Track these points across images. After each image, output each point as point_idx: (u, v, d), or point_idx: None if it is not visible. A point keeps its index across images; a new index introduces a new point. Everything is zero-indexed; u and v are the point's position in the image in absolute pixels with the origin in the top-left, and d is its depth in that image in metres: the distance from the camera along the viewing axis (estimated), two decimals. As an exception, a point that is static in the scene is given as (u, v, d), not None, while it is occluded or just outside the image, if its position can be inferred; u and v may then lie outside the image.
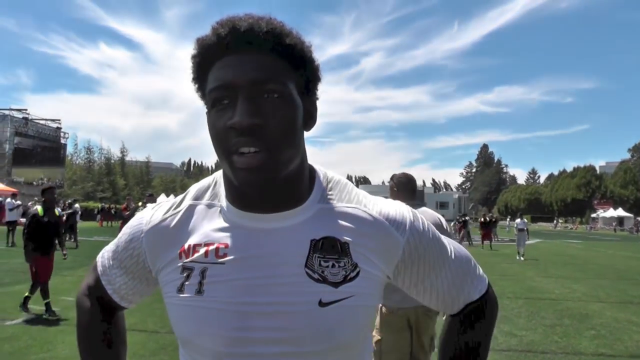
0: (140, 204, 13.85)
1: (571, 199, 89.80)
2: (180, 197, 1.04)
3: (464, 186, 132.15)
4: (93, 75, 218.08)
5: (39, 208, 7.63)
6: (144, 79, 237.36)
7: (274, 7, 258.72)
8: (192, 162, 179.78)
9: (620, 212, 69.59)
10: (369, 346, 1.04)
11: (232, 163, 0.86)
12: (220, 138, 0.87)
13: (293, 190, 0.94)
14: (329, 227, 0.93)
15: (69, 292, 8.92)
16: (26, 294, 7.46)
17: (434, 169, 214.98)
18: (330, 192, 0.98)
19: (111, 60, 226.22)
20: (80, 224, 22.53)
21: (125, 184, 67.59)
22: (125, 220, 15.21)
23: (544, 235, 42.40)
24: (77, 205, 21.89)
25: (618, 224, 65.11)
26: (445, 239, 1.05)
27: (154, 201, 13.17)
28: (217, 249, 0.93)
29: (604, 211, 74.13)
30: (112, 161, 69.24)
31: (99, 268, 1.11)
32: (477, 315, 1.06)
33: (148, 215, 1.03)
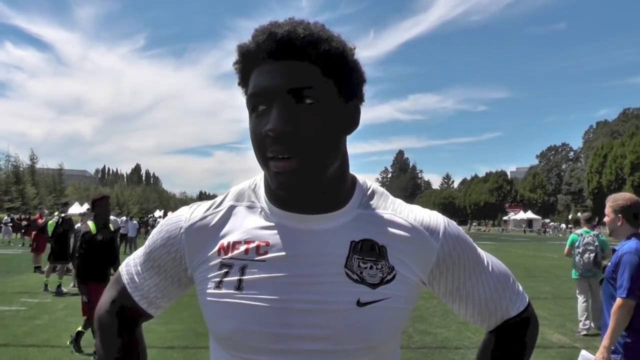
0: (56, 213, 13.11)
1: (484, 202, 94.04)
2: (220, 198, 1.05)
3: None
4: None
5: (90, 225, 6.07)
6: (56, 82, 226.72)
7: (190, 8, 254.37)
8: (107, 169, 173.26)
9: (530, 214, 73.71)
10: (398, 348, 1.04)
11: (269, 168, 0.88)
12: (258, 143, 0.88)
13: (333, 193, 0.96)
14: (368, 231, 0.95)
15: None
16: (79, 329, 6.18)
17: None
18: (369, 199, 1.00)
19: (19, 61, 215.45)
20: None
21: (36, 193, 63.98)
22: (40, 230, 14.44)
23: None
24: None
25: (527, 226, 68.86)
26: (483, 252, 1.06)
27: (67, 210, 12.57)
28: (257, 246, 0.93)
29: (515, 214, 78.22)
30: (21, 169, 65.40)
31: (125, 277, 1.09)
32: (515, 334, 1.07)
33: (187, 213, 1.03)
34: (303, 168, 0.86)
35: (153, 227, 29.57)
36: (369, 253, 0.93)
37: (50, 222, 12.06)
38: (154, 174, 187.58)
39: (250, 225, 0.97)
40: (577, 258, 7.60)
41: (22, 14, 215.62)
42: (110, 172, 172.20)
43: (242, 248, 0.94)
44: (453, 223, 1.03)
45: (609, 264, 3.32)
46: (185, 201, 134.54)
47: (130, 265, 1.10)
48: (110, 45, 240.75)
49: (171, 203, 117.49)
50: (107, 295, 1.12)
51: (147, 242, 1.08)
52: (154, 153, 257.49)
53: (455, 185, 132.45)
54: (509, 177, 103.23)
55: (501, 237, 51.01)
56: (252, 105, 0.89)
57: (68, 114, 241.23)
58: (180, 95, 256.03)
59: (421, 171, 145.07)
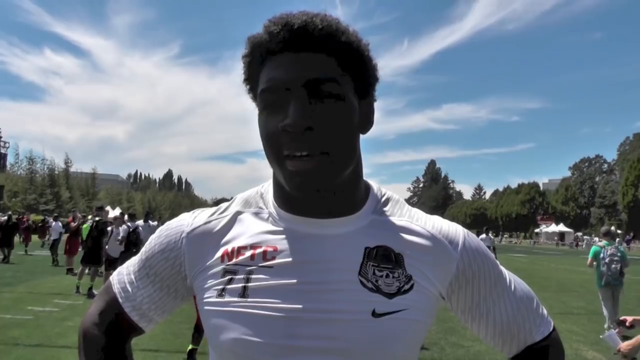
0: (89, 217, 13.37)
1: (515, 214, 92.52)
2: (225, 204, 0.98)
3: (411, 201, 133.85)
4: (37, 82, 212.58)
5: None
6: (92, 88, 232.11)
7: (225, 17, 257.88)
8: (139, 174, 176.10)
9: (562, 227, 72.15)
10: None
11: (284, 168, 0.82)
12: (272, 141, 0.82)
13: (347, 196, 0.90)
14: (383, 237, 0.89)
15: (8, 309, 8.56)
16: (190, 347, 5.90)
17: (382, 184, 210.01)
18: (384, 205, 0.95)
19: (57, 67, 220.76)
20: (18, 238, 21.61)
21: (70, 196, 65.40)
22: (73, 233, 14.75)
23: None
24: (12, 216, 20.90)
25: (559, 239, 67.45)
26: (505, 270, 1.00)
27: (105, 214, 12.81)
28: (265, 252, 0.87)
29: (547, 226, 76.69)
30: (56, 172, 66.97)
31: (116, 286, 1.00)
32: (539, 358, 0.98)
33: (190, 218, 0.97)
34: (322, 168, 0.81)
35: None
36: (385, 260, 0.87)
37: (85, 225, 12.32)
38: (186, 179, 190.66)
39: (257, 230, 0.90)
40: (604, 268, 8.02)
41: (61, 21, 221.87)
42: (143, 177, 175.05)
43: (248, 254, 0.87)
44: (473, 234, 0.97)
45: None
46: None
47: (122, 273, 1.02)
48: (145, 53, 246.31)
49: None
50: (94, 307, 1.02)
51: (143, 249, 1.00)
52: (187, 159, 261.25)
53: (487, 196, 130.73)
54: (541, 188, 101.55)
55: (533, 250, 50.03)
56: (266, 100, 0.83)
57: (102, 119, 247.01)
58: (214, 102, 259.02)
59: (453, 181, 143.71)
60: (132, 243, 11.58)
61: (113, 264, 11.39)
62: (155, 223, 15.23)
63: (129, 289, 0.99)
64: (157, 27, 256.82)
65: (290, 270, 0.85)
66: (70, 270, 14.07)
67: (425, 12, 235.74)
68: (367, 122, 0.91)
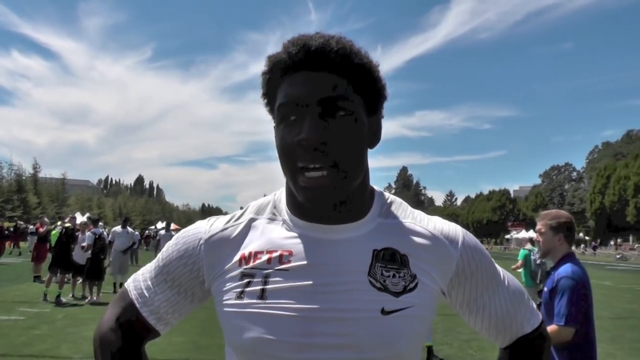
0: (59, 223, 13.10)
1: (486, 220, 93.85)
2: (239, 212, 1.04)
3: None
4: (4, 85, 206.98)
5: None
6: (62, 91, 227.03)
7: (198, 21, 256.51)
8: (110, 180, 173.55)
9: (532, 233, 72.91)
10: (419, 358, 1.02)
11: (297, 181, 0.88)
12: (287, 153, 0.89)
13: (355, 205, 0.96)
14: (389, 240, 0.96)
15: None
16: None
17: None
18: (388, 208, 1.01)
19: (25, 69, 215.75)
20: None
21: (38, 202, 64.03)
22: (40, 241, 14.44)
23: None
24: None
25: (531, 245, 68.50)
26: (499, 267, 1.07)
27: (74, 221, 12.57)
28: (280, 255, 0.93)
29: (517, 232, 77.77)
30: (24, 178, 65.48)
31: (133, 292, 1.05)
32: (531, 351, 1.07)
33: (206, 226, 1.02)
34: (333, 183, 0.87)
35: (153, 238, 29.54)
36: (391, 261, 0.93)
37: (53, 232, 12.09)
38: (157, 185, 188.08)
39: (272, 235, 0.97)
40: (535, 268, 9.25)
41: (29, 22, 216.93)
42: (113, 182, 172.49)
43: (265, 258, 0.94)
44: (471, 234, 1.04)
45: (545, 288, 3.13)
46: (188, 213, 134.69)
47: (138, 280, 1.07)
48: (116, 56, 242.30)
49: (174, 215, 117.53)
50: (110, 313, 1.07)
51: (160, 255, 1.05)
52: (158, 164, 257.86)
53: (459, 202, 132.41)
54: (512, 195, 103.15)
55: (504, 255, 50.74)
56: (282, 115, 0.90)
57: (73, 124, 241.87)
58: (186, 107, 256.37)
59: (424, 188, 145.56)
60: (100, 249, 11.38)
61: (79, 270, 11.22)
62: (133, 229, 14.94)
63: (146, 294, 1.04)
64: (129, 31, 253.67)
65: (305, 272, 0.91)
66: (37, 278, 13.80)
67: (399, 19, 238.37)
68: (375, 138, 1.00)
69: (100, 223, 13.28)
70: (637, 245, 52.50)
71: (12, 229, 28.56)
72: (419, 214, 1.03)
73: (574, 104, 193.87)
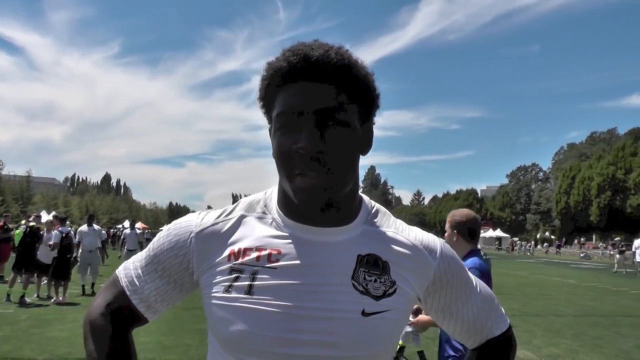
0: (23, 222, 12.73)
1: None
2: (230, 207, 1.08)
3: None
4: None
5: None
6: (27, 87, 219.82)
7: (167, 17, 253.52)
8: (77, 178, 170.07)
9: (499, 232, 74.65)
10: (392, 357, 1.08)
11: (294, 183, 0.92)
12: (284, 160, 0.93)
13: (344, 210, 1.01)
14: (373, 246, 1.01)
15: None
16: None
17: None
18: (374, 217, 1.06)
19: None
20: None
21: (1, 200, 62.43)
22: (2, 241, 14.03)
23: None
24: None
25: (497, 244, 69.74)
26: (471, 275, 1.13)
27: (39, 219, 12.30)
28: (269, 254, 0.97)
29: (484, 231, 79.10)
30: (-13, 175, 63.78)
31: (123, 280, 1.09)
32: (497, 352, 1.14)
33: (197, 219, 1.05)
34: (328, 186, 0.92)
35: (118, 237, 29.08)
36: (374, 267, 0.99)
37: (17, 231, 11.82)
38: (124, 183, 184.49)
39: (261, 233, 1.00)
40: None
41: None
42: (80, 180, 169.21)
43: (254, 255, 0.97)
44: (448, 245, 1.11)
45: None
46: (155, 212, 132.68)
47: (129, 268, 1.10)
48: (83, 51, 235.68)
49: (141, 213, 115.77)
50: (101, 299, 1.11)
51: (151, 246, 1.09)
52: (125, 162, 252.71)
53: (426, 202, 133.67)
54: (479, 195, 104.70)
55: (471, 254, 51.48)
56: (281, 123, 0.93)
57: (38, 120, 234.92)
58: (154, 105, 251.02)
59: (392, 187, 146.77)
60: (65, 248, 11.18)
61: (45, 270, 10.98)
62: (100, 227, 14.57)
63: (137, 283, 1.08)
64: (97, 25, 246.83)
65: (293, 272, 0.95)
66: (2, 277, 13.49)
67: (368, 19, 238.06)
68: (367, 145, 1.04)
69: (67, 222, 13.00)
70: (600, 244, 53.88)
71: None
72: (400, 223, 1.09)
73: (540, 106, 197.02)
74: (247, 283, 0.95)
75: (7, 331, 7.69)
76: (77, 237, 12.55)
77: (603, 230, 63.89)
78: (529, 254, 54.95)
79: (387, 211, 1.11)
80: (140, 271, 1.08)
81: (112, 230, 42.59)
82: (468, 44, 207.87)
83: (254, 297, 0.94)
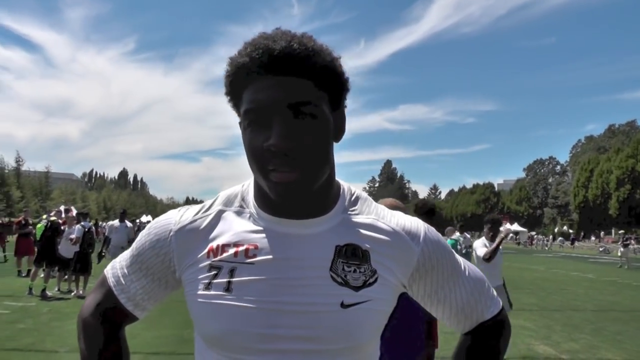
0: (44, 216, 12.74)
1: (471, 214, 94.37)
2: (208, 202, 1.07)
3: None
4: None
5: None
6: (44, 84, 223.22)
7: (181, 13, 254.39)
8: (94, 173, 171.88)
9: (516, 226, 74.04)
10: (378, 349, 1.07)
11: (268, 179, 0.90)
12: (257, 157, 0.91)
13: (321, 199, 0.99)
14: (352, 235, 0.99)
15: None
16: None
17: None
18: (353, 205, 1.04)
19: (6, 61, 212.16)
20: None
21: (21, 196, 63.26)
22: (22, 237, 14.21)
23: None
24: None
25: (514, 238, 69.18)
26: (460, 258, 1.10)
27: (60, 214, 12.44)
28: (247, 249, 0.96)
29: (501, 226, 78.41)
30: (6, 171, 64.63)
31: (111, 279, 1.11)
32: (490, 336, 1.11)
33: (177, 216, 1.05)
34: (303, 179, 0.90)
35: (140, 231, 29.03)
36: (353, 257, 0.97)
37: (39, 226, 11.97)
38: (141, 179, 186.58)
39: (239, 229, 0.99)
40: (471, 256, 9.13)
41: (10, 14, 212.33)
42: (98, 175, 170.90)
43: (231, 251, 0.96)
44: (432, 229, 1.07)
45: None
46: (172, 206, 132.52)
47: (116, 267, 1.12)
48: (99, 48, 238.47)
49: (158, 208, 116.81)
50: (91, 298, 1.13)
51: (134, 245, 1.09)
52: (142, 157, 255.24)
53: (442, 196, 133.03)
54: (496, 189, 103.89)
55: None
56: (249, 119, 0.91)
57: (55, 117, 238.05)
58: (170, 100, 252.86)
59: (408, 181, 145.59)
60: (88, 243, 11.30)
61: (65, 264, 11.12)
62: (131, 225, 13.81)
63: (123, 282, 1.09)
64: (112, 22, 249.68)
65: (270, 267, 0.94)
66: (19, 272, 13.69)
67: (382, 13, 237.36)
68: (339, 131, 1.01)
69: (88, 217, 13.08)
70: (619, 238, 53.22)
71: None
72: (382, 209, 1.06)
73: (557, 98, 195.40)
74: (225, 280, 0.94)
75: (29, 324, 7.81)
76: (107, 231, 12.58)
77: (622, 224, 63.00)
78: (546, 248, 54.42)
79: (369, 197, 1.08)
80: (126, 270, 1.09)
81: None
82: (483, 37, 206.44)
83: (233, 293, 0.93)
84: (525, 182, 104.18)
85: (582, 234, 68.30)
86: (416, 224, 1.05)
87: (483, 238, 6.78)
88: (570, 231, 72.14)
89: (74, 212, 12.74)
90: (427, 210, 4.37)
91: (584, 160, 77.71)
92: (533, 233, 68.14)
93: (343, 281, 0.94)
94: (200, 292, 0.96)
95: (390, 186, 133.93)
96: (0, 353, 6.18)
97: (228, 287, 0.94)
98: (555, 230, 76.07)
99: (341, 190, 1.05)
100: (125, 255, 1.12)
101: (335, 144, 1.00)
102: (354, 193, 1.06)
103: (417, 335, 3.07)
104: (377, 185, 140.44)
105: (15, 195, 61.93)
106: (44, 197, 71.32)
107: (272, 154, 0.88)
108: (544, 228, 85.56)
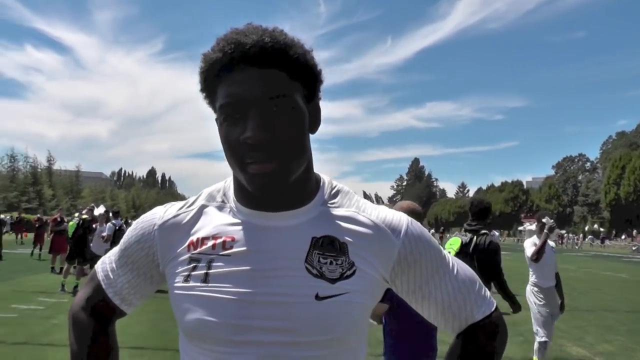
0: (76, 214, 12.93)
1: (499, 212, 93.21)
2: (192, 198, 1.09)
3: (394, 199, 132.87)
4: (18, 79, 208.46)
5: None
6: (73, 85, 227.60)
7: (208, 13, 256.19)
8: (123, 172, 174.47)
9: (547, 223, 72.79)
10: (364, 342, 1.05)
11: (246, 172, 0.91)
12: (233, 150, 0.91)
13: (298, 191, 0.99)
14: (330, 227, 0.98)
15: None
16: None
17: (365, 182, 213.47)
18: (333, 197, 1.04)
19: (38, 63, 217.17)
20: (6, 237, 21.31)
21: (53, 194, 64.62)
22: (57, 234, 14.48)
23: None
24: (1, 215, 20.68)
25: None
26: (450, 256, 1.08)
27: (91, 212, 12.66)
28: (224, 242, 0.97)
29: (530, 224, 77.23)
30: (39, 170, 66.08)
31: (100, 274, 1.14)
32: (482, 338, 1.07)
33: (161, 212, 1.07)
34: (280, 169, 0.90)
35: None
36: (329, 249, 0.96)
37: (71, 223, 12.21)
38: (169, 177, 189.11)
39: (218, 222, 1.01)
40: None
41: (42, 17, 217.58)
42: (126, 174, 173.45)
43: (210, 243, 0.98)
44: (417, 223, 1.05)
45: None
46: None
47: (105, 262, 1.15)
48: (128, 49, 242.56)
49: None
50: (82, 292, 1.17)
51: (122, 240, 1.12)
52: (170, 156, 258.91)
53: (471, 194, 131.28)
54: (525, 187, 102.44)
55: (517, 247, 50.42)
56: (225, 113, 0.92)
57: (85, 117, 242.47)
58: (197, 100, 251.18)
59: (436, 179, 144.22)
60: (118, 240, 11.47)
61: (97, 261, 11.29)
62: None
63: (111, 276, 1.12)
64: (140, 23, 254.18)
65: (245, 258, 0.95)
66: (52, 269, 14.01)
67: (409, 11, 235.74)
68: (315, 123, 1.02)
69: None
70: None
71: (35, 222, 28.49)
72: (364, 203, 1.05)
73: (586, 94, 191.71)
74: (203, 272, 0.96)
75: (62, 319, 7.95)
76: None
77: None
78: (576, 247, 53.40)
79: (350, 191, 1.08)
80: (114, 265, 1.12)
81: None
82: (510, 32, 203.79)
83: (209, 285, 0.94)
84: (555, 180, 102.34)
85: (614, 232, 66.81)
86: (399, 218, 1.03)
87: (534, 237, 6.36)
88: (601, 230, 70.68)
89: (103, 209, 12.90)
90: (481, 208, 4.24)
91: (615, 156, 75.91)
92: (563, 232, 66.92)
93: (318, 273, 0.94)
94: (180, 284, 0.98)
95: (418, 184, 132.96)
96: (35, 347, 6.35)
97: (205, 279, 0.95)
98: (586, 228, 74.59)
99: (321, 183, 1.05)
100: (115, 250, 1.15)
101: (311, 136, 1.01)
102: (334, 186, 1.06)
103: (431, 334, 3.06)
104: (404, 183, 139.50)
105: (46, 194, 63.28)
106: (74, 195, 72.72)
107: (249, 146, 0.88)
108: (574, 226, 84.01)
